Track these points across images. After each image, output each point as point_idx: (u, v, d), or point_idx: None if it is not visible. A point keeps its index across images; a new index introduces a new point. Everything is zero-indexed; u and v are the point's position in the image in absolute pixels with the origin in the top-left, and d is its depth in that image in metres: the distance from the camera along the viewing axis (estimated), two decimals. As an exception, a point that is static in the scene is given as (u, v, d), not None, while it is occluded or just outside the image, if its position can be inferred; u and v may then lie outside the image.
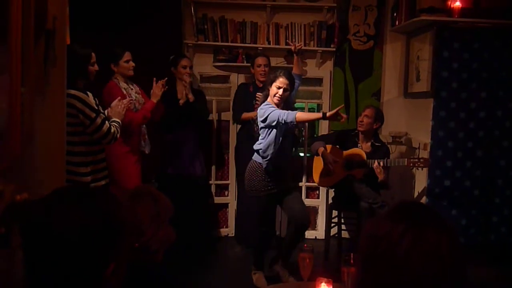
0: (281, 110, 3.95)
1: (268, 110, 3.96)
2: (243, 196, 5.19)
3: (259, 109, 4.09)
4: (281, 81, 3.99)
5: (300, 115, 3.91)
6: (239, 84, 5.49)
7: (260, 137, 4.14)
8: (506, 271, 4.51)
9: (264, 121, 4.00)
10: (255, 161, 4.15)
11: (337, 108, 3.90)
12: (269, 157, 4.05)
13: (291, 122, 3.88)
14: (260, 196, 4.15)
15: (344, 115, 3.97)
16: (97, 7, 4.77)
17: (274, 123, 3.94)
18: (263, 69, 5.03)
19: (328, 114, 3.93)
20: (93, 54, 3.51)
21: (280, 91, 3.99)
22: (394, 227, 1.20)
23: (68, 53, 3.02)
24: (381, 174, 4.52)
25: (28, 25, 1.87)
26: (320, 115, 4.02)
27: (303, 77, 4.76)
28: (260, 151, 4.10)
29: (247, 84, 5.27)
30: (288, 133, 4.16)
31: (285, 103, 4.13)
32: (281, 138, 4.05)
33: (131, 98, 4.10)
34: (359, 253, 1.27)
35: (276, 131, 4.01)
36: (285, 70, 4.14)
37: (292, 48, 4.57)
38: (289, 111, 3.94)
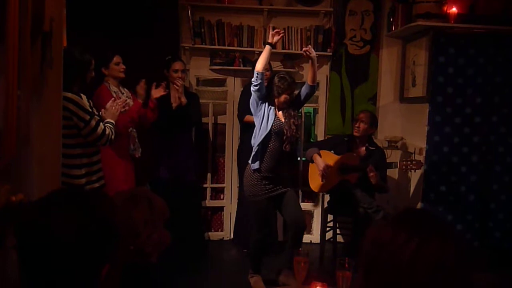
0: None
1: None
2: (243, 199, 5.18)
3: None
4: (285, 95, 4.11)
5: (257, 64, 4.04)
6: (245, 84, 5.41)
7: None
8: (502, 276, 4.51)
9: (253, 112, 4.13)
10: (250, 165, 4.17)
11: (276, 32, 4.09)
12: (257, 147, 4.09)
13: (257, 76, 3.98)
14: (258, 201, 4.15)
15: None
16: (94, 10, 4.77)
17: (256, 100, 4.06)
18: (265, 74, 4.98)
19: (270, 40, 4.10)
20: (93, 61, 3.53)
21: (284, 99, 4.12)
22: (397, 234, 1.18)
23: (68, 57, 3.04)
24: (374, 178, 4.52)
25: (25, 27, 1.88)
26: (267, 47, 4.08)
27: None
28: (253, 143, 4.16)
29: None
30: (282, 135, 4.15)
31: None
32: (268, 131, 4.06)
33: (125, 99, 4.09)
34: (360, 259, 1.25)
35: (262, 118, 4.08)
36: (289, 78, 4.16)
37: (304, 54, 4.20)
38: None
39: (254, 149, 4.12)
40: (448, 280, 1.15)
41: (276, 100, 4.11)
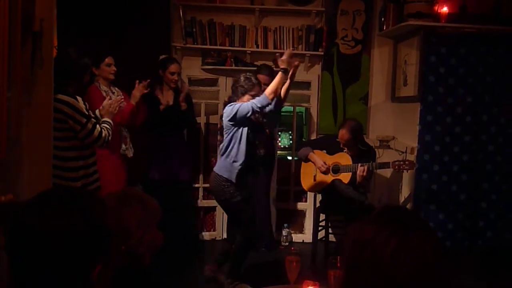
0: (249, 102, 3.91)
1: (236, 106, 3.93)
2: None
3: (225, 109, 4.04)
4: (248, 96, 4.00)
5: (268, 90, 3.86)
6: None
7: (225, 138, 4.08)
8: (492, 276, 4.53)
9: (232, 118, 3.94)
10: (217, 173, 4.07)
11: (291, 59, 3.91)
12: (242, 163, 4.00)
13: (267, 104, 3.85)
14: (237, 201, 4.05)
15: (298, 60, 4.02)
16: (85, 10, 4.75)
17: (248, 114, 3.87)
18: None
19: (283, 67, 3.89)
20: (90, 65, 3.53)
21: (247, 100, 4.01)
22: (379, 232, 1.19)
23: (65, 59, 3.02)
24: (361, 177, 4.53)
25: (15, 27, 1.87)
26: (280, 74, 3.91)
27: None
28: (229, 158, 4.02)
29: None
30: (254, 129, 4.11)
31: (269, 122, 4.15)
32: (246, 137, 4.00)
33: (120, 97, 4.08)
34: (343, 257, 1.27)
35: (245, 132, 3.98)
36: (254, 79, 4.09)
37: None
38: (256, 97, 3.91)
39: (240, 162, 4.01)
40: (428, 275, 1.16)
41: (239, 101, 4.01)
